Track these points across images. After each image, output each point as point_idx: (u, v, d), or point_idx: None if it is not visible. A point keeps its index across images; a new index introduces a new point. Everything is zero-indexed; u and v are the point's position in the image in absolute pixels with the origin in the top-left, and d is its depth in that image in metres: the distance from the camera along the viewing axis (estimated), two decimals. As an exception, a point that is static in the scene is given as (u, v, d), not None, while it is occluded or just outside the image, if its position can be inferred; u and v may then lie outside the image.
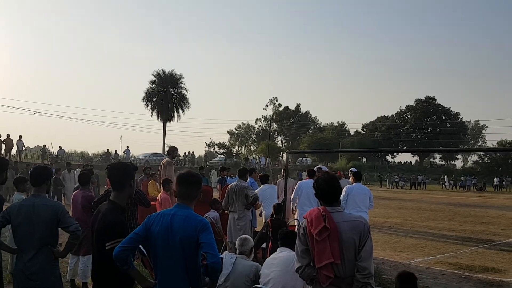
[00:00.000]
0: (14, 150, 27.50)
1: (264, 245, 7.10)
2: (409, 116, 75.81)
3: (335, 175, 2.99)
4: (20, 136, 27.63)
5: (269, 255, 5.90)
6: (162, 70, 48.36)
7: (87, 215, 5.77)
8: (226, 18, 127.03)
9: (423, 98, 74.24)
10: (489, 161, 62.84)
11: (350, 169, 8.98)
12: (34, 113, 33.78)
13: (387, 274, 6.90)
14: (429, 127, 73.96)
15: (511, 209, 20.43)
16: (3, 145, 25.68)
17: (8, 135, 25.89)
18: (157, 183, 9.78)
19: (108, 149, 37.17)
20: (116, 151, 38.01)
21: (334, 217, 2.81)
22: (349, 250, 2.75)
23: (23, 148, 28.96)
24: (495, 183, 41.79)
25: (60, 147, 33.63)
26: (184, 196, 2.86)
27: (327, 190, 2.91)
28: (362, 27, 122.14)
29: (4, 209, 3.70)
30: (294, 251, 3.96)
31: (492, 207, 21.66)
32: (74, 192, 6.16)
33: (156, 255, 2.77)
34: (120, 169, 3.15)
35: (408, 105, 76.30)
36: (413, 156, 76.42)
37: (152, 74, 48.25)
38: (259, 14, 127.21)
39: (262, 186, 8.60)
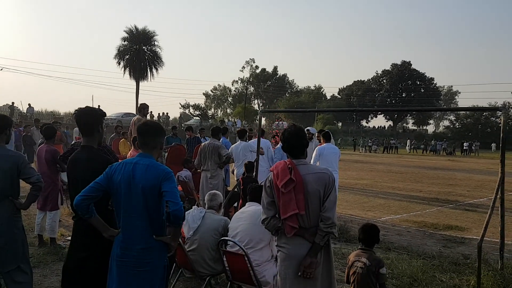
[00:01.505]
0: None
1: (236, 204, 7.17)
2: (384, 81, 76.46)
3: (302, 128, 2.96)
4: (-14, 93, 26.56)
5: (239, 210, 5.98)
6: (135, 26, 46.87)
7: (52, 170, 5.65)
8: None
9: (399, 62, 74.80)
10: (459, 126, 64.75)
11: (307, 128, 9.06)
12: (1, 69, 32.25)
13: (354, 231, 7.10)
14: (403, 92, 74.96)
15: (478, 172, 21.27)
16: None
17: (-28, 92, 24.81)
18: (128, 142, 9.61)
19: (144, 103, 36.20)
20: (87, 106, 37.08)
21: (300, 169, 2.82)
22: (314, 201, 2.77)
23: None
24: (464, 148, 43.21)
25: (29, 105, 32.52)
26: (143, 145, 2.86)
27: (294, 143, 2.90)
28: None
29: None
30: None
31: (460, 170, 22.46)
32: (39, 147, 5.98)
33: (118, 204, 2.76)
34: (88, 114, 3.18)
35: (384, 69, 76.83)
36: (386, 121, 77.87)
37: (125, 31, 46.73)
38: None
39: (237, 142, 8.59)
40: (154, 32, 47.25)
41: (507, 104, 64.99)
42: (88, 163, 3.04)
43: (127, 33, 46.61)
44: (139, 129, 2.89)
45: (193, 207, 4.14)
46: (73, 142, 5.72)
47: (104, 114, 3.31)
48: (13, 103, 31.62)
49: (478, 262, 4.51)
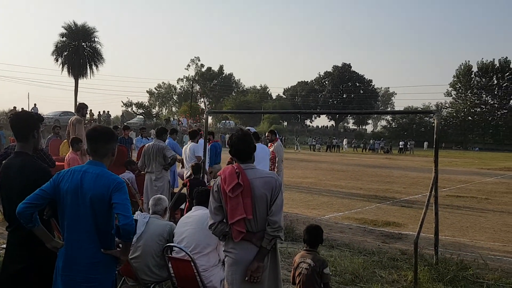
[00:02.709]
0: None
1: (183, 206, 7.05)
2: (327, 82, 78.98)
3: (249, 132, 2.95)
4: None
5: (185, 213, 5.88)
6: (74, 22, 44.72)
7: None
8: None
9: (340, 64, 77.58)
10: (396, 126, 68.33)
11: (248, 128, 9.36)
12: None
13: (300, 230, 7.24)
14: (344, 93, 77.88)
15: (413, 169, 22.57)
16: None
17: None
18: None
19: (14, 107, 34.01)
20: (22, 108, 34.82)
21: (247, 173, 2.82)
22: (261, 205, 2.79)
23: None
24: (400, 146, 45.66)
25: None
26: (92, 152, 2.70)
27: (241, 148, 2.89)
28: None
29: None
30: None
31: (397, 168, 23.69)
32: None
33: (64, 214, 2.60)
34: (23, 119, 2.99)
35: (326, 71, 79.37)
36: (329, 121, 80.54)
37: (63, 27, 44.50)
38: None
39: (189, 143, 8.50)
40: (94, 28, 45.49)
41: (440, 104, 69.71)
42: (22, 170, 2.83)
43: (65, 29, 44.41)
44: (88, 135, 2.72)
45: (137, 212, 4.00)
46: (6, 146, 5.32)
47: (41, 118, 3.11)
48: None
49: (415, 258, 4.77)
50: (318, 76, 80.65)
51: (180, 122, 46.74)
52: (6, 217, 2.99)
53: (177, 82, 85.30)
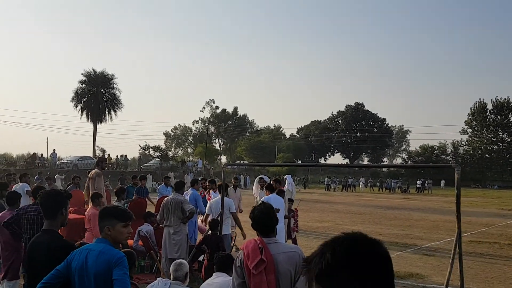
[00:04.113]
0: None
1: (201, 258, 7.00)
2: (340, 121, 79.29)
3: (271, 205, 2.97)
4: None
5: (204, 272, 5.84)
6: (93, 69, 46.36)
7: (15, 238, 5.35)
8: (162, 19, 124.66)
9: (352, 104, 78.08)
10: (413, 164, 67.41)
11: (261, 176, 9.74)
12: None
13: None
14: (358, 132, 77.88)
15: (433, 211, 22.05)
16: None
17: None
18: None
19: (34, 153, 34.77)
20: (42, 154, 35.61)
21: (270, 248, 2.79)
22: (285, 282, 2.74)
23: None
24: (417, 185, 44.84)
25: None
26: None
27: (264, 222, 2.87)
28: (295, 33, 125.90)
29: None
30: (230, 276, 3.93)
31: (415, 209, 23.19)
32: (1, 213, 5.63)
33: None
34: (52, 196, 3.10)
35: (339, 110, 79.84)
36: (343, 159, 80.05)
37: (82, 74, 46.07)
38: (194, 16, 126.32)
39: (213, 197, 8.60)
40: (113, 75, 46.93)
41: (456, 142, 68.98)
42: (49, 248, 2.90)
43: (85, 76, 45.94)
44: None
45: (158, 278, 4.00)
46: (18, 208, 5.44)
47: (69, 195, 3.21)
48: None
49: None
50: (331, 115, 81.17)
51: (195, 164, 47.06)
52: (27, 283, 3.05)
53: (193, 124, 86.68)
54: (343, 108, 79.22)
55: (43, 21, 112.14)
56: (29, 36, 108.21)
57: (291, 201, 9.75)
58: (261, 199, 7.89)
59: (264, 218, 2.87)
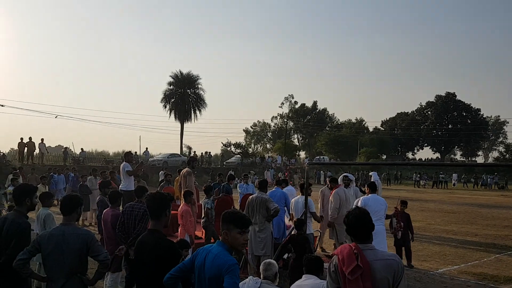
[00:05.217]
0: (36, 153, 28.13)
1: (286, 256, 7.10)
2: (429, 113, 74.71)
3: (366, 211, 2.91)
4: (42, 139, 28.26)
5: (291, 271, 5.91)
6: (180, 71, 48.78)
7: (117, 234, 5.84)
8: (242, 19, 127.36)
9: (443, 94, 73.10)
10: (511, 158, 61.31)
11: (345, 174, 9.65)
12: (56, 117, 34.29)
13: (411, 288, 6.82)
14: (449, 124, 72.76)
15: (535, 210, 19.96)
16: (26, 148, 26.33)
17: (30, 138, 26.53)
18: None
19: (129, 151, 37.56)
20: (136, 152, 38.43)
21: (366, 255, 2.73)
22: None
23: (46, 151, 29.57)
24: (517, 181, 40.72)
25: (82, 149, 34.21)
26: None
27: (359, 227, 2.81)
28: (381, 23, 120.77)
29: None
30: (319, 278, 3.96)
31: (516, 208, 21.16)
32: (104, 210, 6.22)
33: (195, 287, 2.90)
34: (157, 199, 3.38)
35: (429, 101, 75.23)
36: (434, 153, 75.40)
37: (170, 76, 48.73)
38: (275, 14, 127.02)
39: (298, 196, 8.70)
40: (197, 76, 48.99)
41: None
42: (154, 248, 3.18)
43: (172, 78, 48.55)
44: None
45: (249, 277, 4.15)
46: (126, 205, 5.89)
47: (172, 198, 3.49)
48: (67, 147, 33.41)
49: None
50: (419, 106, 76.72)
51: (274, 160, 47.53)
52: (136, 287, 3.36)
53: (271, 120, 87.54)
54: (432, 99, 74.58)
55: (137, 28, 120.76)
56: (121, 41, 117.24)
57: None
58: (360, 199, 7.80)
59: (359, 224, 2.81)
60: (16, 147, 28.72)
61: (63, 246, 3.51)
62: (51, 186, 17.53)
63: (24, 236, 3.94)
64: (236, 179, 32.56)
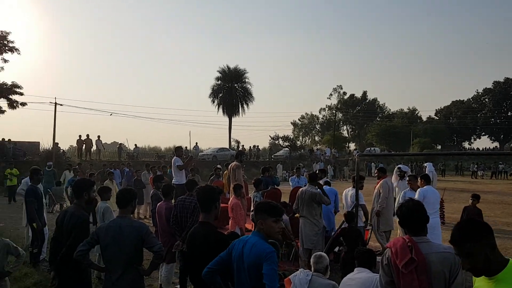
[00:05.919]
0: (93, 149, 29.66)
1: (337, 249, 7.01)
2: (487, 100, 70.66)
3: (420, 202, 2.79)
4: (99, 136, 29.67)
5: (342, 264, 5.82)
6: (227, 66, 49.19)
7: (170, 226, 6.02)
8: (287, 11, 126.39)
9: (501, 80, 68.79)
10: None
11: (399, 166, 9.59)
12: (111, 114, 35.86)
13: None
14: (509, 111, 68.44)
15: None
16: (84, 145, 27.83)
17: (88, 135, 28.01)
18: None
19: (180, 146, 38.57)
20: (186, 147, 39.38)
21: (421, 248, 2.63)
22: (438, 283, 2.57)
23: (102, 148, 31.07)
24: None
25: (135, 145, 35.60)
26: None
27: (413, 220, 2.72)
28: (433, 8, 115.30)
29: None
30: (372, 271, 3.86)
31: None
32: (158, 204, 6.43)
33: (232, 280, 2.95)
34: (207, 192, 3.49)
35: (486, 88, 71.16)
36: (492, 142, 71.33)
37: (218, 71, 49.32)
38: (321, 4, 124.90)
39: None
40: (244, 70, 49.22)
41: None
42: (205, 239, 3.26)
43: (220, 73, 49.10)
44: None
45: (300, 269, 4.13)
46: (181, 197, 6.01)
47: (221, 191, 3.56)
48: (121, 143, 34.90)
49: None
50: (476, 93, 72.77)
51: (324, 152, 46.94)
52: (190, 279, 3.44)
53: (319, 112, 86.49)
54: (490, 85, 70.42)
55: (185, 26, 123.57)
56: (172, 40, 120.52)
57: None
58: (419, 191, 7.57)
59: (413, 216, 2.72)
60: (74, 144, 30.43)
61: (120, 238, 3.66)
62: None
63: (83, 228, 4.16)
64: (285, 172, 32.73)
